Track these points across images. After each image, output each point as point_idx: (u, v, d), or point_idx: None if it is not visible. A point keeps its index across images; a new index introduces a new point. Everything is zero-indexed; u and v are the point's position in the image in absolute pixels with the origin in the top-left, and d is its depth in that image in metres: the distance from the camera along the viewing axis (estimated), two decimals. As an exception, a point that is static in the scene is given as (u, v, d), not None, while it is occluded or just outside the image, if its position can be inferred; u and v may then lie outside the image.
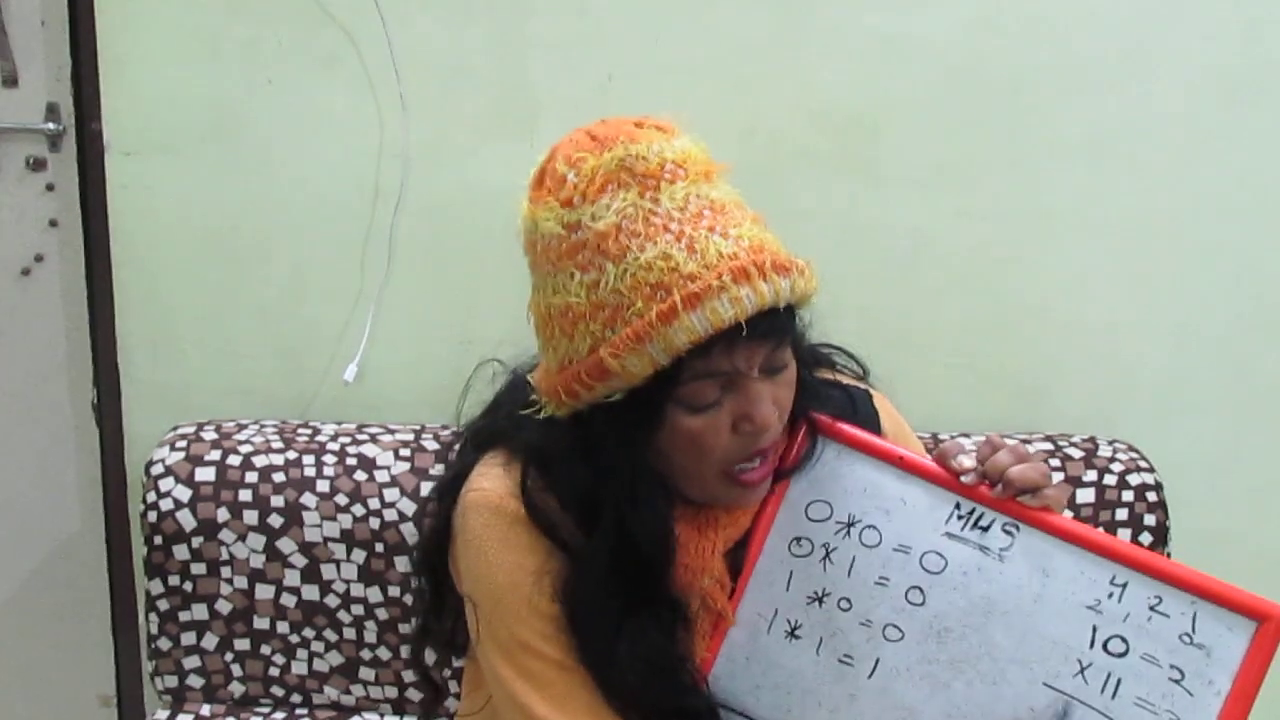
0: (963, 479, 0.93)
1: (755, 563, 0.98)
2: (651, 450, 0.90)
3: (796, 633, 0.95)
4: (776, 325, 0.86)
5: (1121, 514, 1.39)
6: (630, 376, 0.84)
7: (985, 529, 0.92)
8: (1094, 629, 0.87)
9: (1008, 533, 0.91)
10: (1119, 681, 0.85)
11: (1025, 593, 0.89)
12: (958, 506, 0.93)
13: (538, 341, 0.94)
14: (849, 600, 0.94)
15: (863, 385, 1.08)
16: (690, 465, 0.90)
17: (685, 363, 0.84)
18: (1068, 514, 0.95)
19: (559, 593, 0.93)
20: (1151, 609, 0.86)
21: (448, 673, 1.33)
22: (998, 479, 0.91)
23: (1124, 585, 0.87)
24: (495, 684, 0.96)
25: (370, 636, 1.39)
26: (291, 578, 1.37)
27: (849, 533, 0.96)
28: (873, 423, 1.04)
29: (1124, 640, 0.86)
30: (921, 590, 0.92)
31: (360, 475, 1.37)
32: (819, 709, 0.93)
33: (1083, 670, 0.86)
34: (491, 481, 0.95)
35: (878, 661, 0.92)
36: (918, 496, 0.95)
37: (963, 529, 0.92)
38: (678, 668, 0.94)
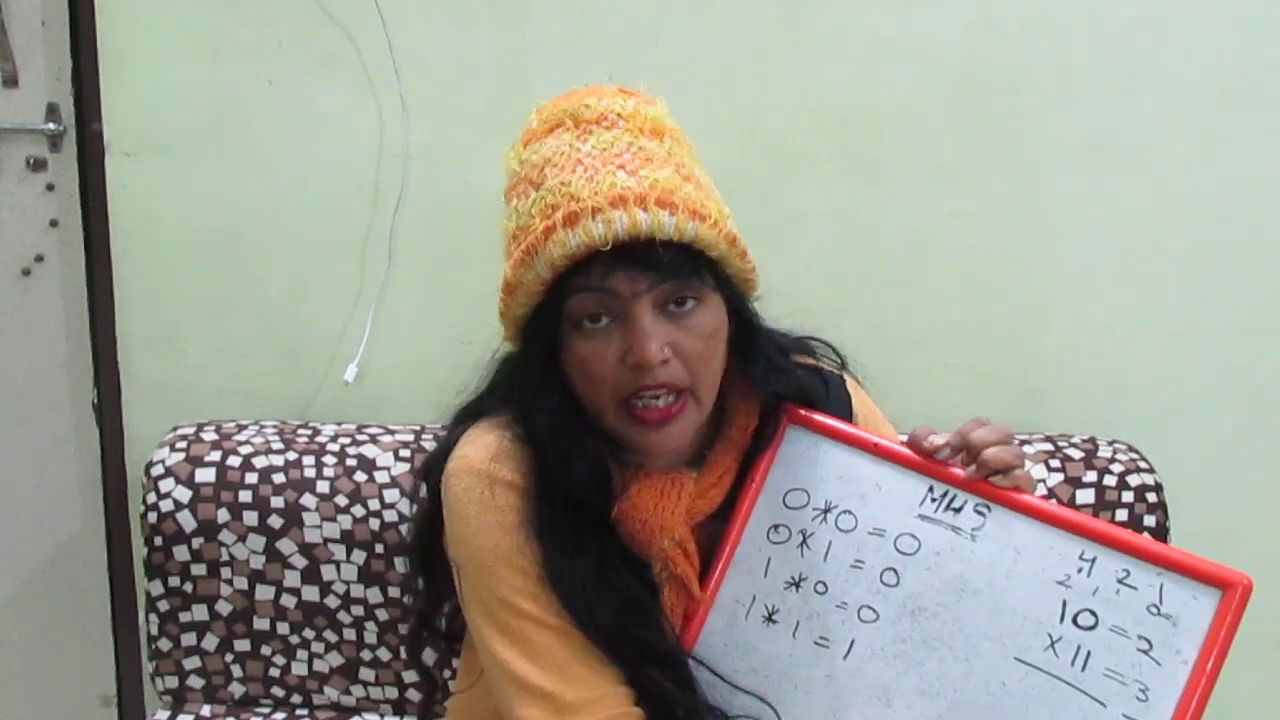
0: (937, 455, 0.95)
1: (733, 550, 1.00)
2: (565, 381, 0.94)
3: (774, 617, 0.97)
4: (672, 259, 0.87)
5: (1121, 514, 1.39)
6: (527, 292, 0.90)
7: (958, 510, 0.93)
8: (1064, 603, 0.88)
9: (980, 513, 0.93)
10: (1089, 654, 0.86)
11: (997, 570, 0.91)
12: (931, 489, 0.95)
13: None
14: (825, 584, 0.96)
15: (836, 370, 1.10)
16: (588, 393, 0.93)
17: (568, 279, 0.89)
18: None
19: (533, 538, 0.94)
20: (1120, 582, 0.87)
21: (447, 673, 1.33)
22: (975, 455, 0.93)
23: (1093, 560, 0.88)
24: (480, 646, 0.97)
25: (370, 637, 1.39)
26: (291, 579, 1.37)
27: (825, 518, 0.98)
28: (845, 405, 1.07)
29: (1093, 613, 0.87)
30: (896, 571, 0.94)
31: (360, 476, 1.37)
32: (795, 691, 0.95)
33: (1053, 644, 0.87)
34: (472, 448, 0.97)
35: (853, 642, 0.93)
36: (892, 481, 0.97)
37: (936, 511, 0.94)
38: (650, 619, 0.95)
